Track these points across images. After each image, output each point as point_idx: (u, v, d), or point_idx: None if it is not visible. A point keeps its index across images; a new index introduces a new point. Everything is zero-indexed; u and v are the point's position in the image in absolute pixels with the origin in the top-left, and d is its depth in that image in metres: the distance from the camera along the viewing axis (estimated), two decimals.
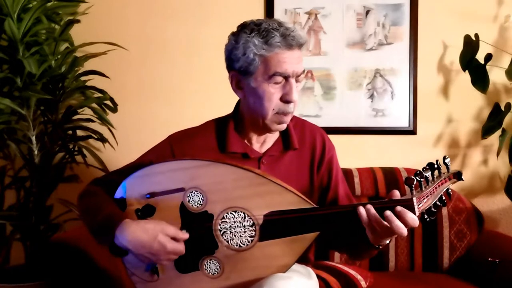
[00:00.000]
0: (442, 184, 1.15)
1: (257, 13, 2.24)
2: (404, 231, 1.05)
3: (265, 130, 1.31)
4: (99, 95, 2.07)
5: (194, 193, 1.20)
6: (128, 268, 1.25)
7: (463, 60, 2.09)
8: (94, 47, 2.14)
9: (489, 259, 1.70)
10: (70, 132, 2.10)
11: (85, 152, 2.07)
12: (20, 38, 1.93)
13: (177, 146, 1.33)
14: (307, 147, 1.36)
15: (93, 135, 2.09)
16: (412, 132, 2.23)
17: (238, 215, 1.18)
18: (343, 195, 1.38)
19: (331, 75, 2.25)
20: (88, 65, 2.12)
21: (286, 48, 1.20)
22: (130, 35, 2.26)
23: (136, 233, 1.13)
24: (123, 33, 2.24)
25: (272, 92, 1.23)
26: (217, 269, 1.19)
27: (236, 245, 1.18)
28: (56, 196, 2.06)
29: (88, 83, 2.11)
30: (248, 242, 1.17)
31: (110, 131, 2.10)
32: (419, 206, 1.07)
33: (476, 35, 2.05)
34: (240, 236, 1.17)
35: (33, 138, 2.02)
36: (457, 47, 2.12)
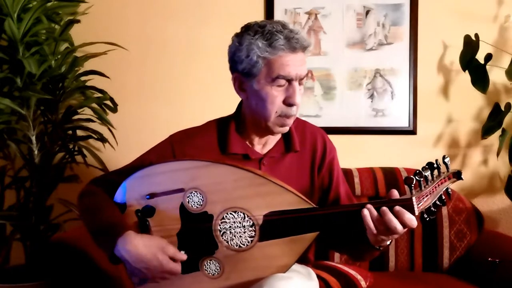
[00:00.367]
0: (441, 183, 1.15)
1: (257, 13, 2.24)
2: (401, 230, 1.05)
3: (267, 132, 1.31)
4: (99, 95, 2.07)
5: (194, 193, 1.20)
6: (128, 268, 1.25)
7: (463, 60, 2.09)
8: (94, 47, 2.14)
9: (489, 259, 1.70)
10: (70, 132, 2.10)
11: (85, 152, 2.07)
12: (20, 38, 1.93)
13: (178, 146, 1.33)
14: (308, 149, 1.36)
15: (93, 135, 2.09)
16: (412, 132, 2.23)
17: (237, 215, 1.17)
18: (344, 196, 1.38)
19: (331, 75, 2.25)
20: (88, 65, 2.12)
21: (290, 51, 1.20)
22: (130, 35, 2.25)
23: (138, 247, 1.14)
24: (123, 33, 2.24)
25: (275, 95, 1.22)
26: (217, 269, 1.19)
27: (236, 246, 1.18)
28: (56, 196, 2.06)
29: (88, 83, 2.11)
30: (248, 242, 1.17)
31: (110, 131, 2.10)
32: (419, 205, 1.07)
33: (476, 35, 2.05)
34: (240, 236, 1.17)
35: (33, 138, 2.01)
36: (457, 47, 2.12)
